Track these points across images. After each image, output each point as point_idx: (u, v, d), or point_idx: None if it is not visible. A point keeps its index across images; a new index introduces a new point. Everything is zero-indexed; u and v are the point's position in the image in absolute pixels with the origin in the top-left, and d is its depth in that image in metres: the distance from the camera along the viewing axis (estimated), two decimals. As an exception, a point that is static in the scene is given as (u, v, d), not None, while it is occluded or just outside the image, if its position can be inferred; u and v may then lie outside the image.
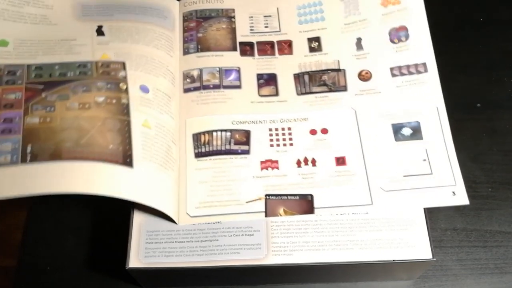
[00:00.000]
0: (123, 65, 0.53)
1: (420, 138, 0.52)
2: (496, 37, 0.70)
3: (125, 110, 0.50)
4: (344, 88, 0.56)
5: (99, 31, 0.56)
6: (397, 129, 0.53)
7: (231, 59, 0.58)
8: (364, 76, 0.56)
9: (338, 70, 0.57)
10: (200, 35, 0.59)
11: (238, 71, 0.57)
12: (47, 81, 0.51)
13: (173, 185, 0.50)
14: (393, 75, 0.55)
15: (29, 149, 0.46)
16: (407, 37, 0.57)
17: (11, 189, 0.44)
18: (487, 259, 0.56)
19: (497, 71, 0.68)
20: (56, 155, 0.46)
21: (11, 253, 0.57)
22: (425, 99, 0.54)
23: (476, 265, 0.56)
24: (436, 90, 0.54)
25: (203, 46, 0.59)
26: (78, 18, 0.57)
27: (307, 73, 0.57)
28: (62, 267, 0.56)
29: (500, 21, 0.72)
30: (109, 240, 0.56)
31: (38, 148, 0.46)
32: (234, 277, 0.52)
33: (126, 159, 0.47)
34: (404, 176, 0.50)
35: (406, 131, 0.53)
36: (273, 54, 0.58)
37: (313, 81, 0.56)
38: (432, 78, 0.55)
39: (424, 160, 0.51)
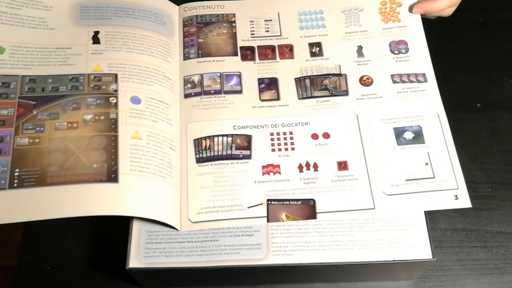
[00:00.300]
0: (115, 77, 0.53)
1: (422, 142, 0.52)
2: (496, 37, 0.70)
3: (113, 125, 0.50)
4: (345, 93, 0.56)
5: (95, 38, 0.55)
6: (399, 133, 0.53)
7: (232, 64, 0.58)
8: (365, 82, 0.56)
9: (339, 75, 0.57)
10: (200, 40, 0.59)
11: (239, 76, 0.57)
12: (39, 95, 0.51)
13: (172, 192, 0.50)
14: (394, 81, 0.56)
15: (16, 173, 0.47)
16: (406, 50, 0.58)
17: None
18: (487, 259, 0.56)
19: (497, 71, 0.68)
20: (41, 181, 0.46)
21: (11, 253, 0.57)
22: (426, 105, 0.54)
23: (476, 265, 0.56)
24: (436, 98, 0.55)
25: (203, 52, 0.59)
26: (76, 22, 0.57)
27: (308, 77, 0.57)
28: (62, 267, 0.56)
29: (500, 21, 0.72)
30: (109, 240, 0.56)
31: (25, 172, 0.47)
32: (234, 277, 0.52)
33: (111, 175, 0.47)
34: (407, 180, 0.50)
35: (408, 135, 0.52)
36: (274, 58, 0.58)
37: (314, 86, 0.56)
38: (431, 87, 0.55)
39: (427, 164, 0.51)
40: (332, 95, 0.56)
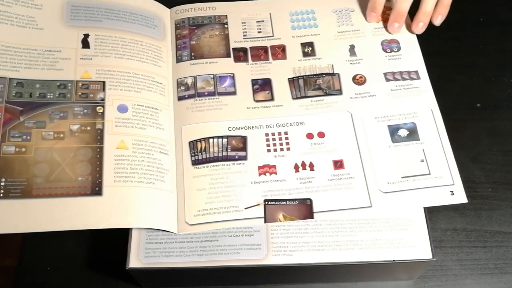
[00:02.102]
0: (103, 85, 0.53)
1: (417, 139, 0.52)
2: (496, 37, 0.70)
3: (99, 136, 0.50)
4: (339, 92, 0.56)
5: (85, 42, 0.55)
6: (393, 130, 0.53)
7: (225, 65, 0.58)
8: (359, 80, 0.56)
9: (332, 74, 0.57)
10: (193, 42, 0.59)
11: (233, 77, 0.57)
12: (27, 101, 0.50)
13: (165, 196, 0.50)
14: (387, 79, 0.56)
15: (3, 183, 0.46)
16: (398, 48, 0.59)
17: None
18: (487, 259, 0.56)
19: (497, 71, 0.67)
20: (27, 192, 0.46)
21: (11, 253, 0.57)
22: (419, 102, 0.55)
23: (476, 265, 0.56)
24: (429, 95, 0.55)
25: (196, 54, 0.59)
26: (66, 22, 0.56)
27: (302, 77, 0.57)
28: (62, 267, 0.56)
29: (500, 21, 0.72)
30: (109, 240, 0.56)
31: (12, 182, 0.46)
32: (234, 277, 0.52)
33: (95, 188, 0.47)
34: (402, 177, 0.50)
35: (403, 132, 0.53)
36: (267, 59, 0.58)
37: (308, 85, 0.56)
38: (424, 84, 0.56)
39: (422, 160, 0.51)
40: (326, 94, 0.56)
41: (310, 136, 0.53)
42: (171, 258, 0.48)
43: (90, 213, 0.46)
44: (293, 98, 0.56)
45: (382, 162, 0.51)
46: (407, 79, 0.56)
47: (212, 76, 0.57)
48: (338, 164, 0.51)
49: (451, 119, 0.53)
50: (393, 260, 0.47)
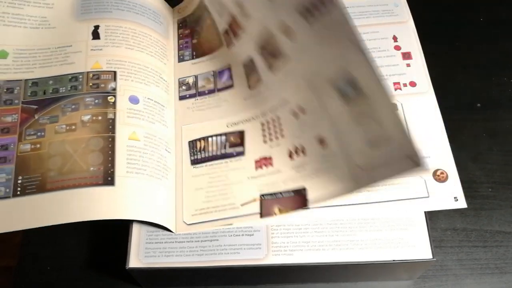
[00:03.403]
0: (114, 75, 0.53)
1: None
2: (496, 37, 0.70)
3: (110, 126, 0.50)
4: None
5: (95, 33, 0.55)
6: None
7: (222, 56, 0.57)
8: None
9: None
10: (194, 41, 0.59)
11: (229, 69, 0.57)
12: (41, 99, 0.51)
13: (168, 194, 0.50)
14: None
15: (20, 180, 0.46)
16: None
17: (1, 224, 0.44)
18: (487, 259, 0.56)
19: (497, 71, 0.68)
20: (41, 187, 0.46)
21: (11, 253, 0.57)
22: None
23: (476, 265, 0.56)
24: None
25: (197, 52, 0.59)
26: (77, 17, 0.56)
27: None
28: (62, 267, 0.56)
29: (500, 21, 0.72)
30: (109, 240, 0.56)
31: (28, 179, 0.46)
32: (234, 277, 0.52)
33: (107, 178, 0.47)
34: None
35: None
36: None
37: None
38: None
39: None
40: None
41: (295, 114, 0.51)
42: (171, 258, 0.48)
43: (102, 203, 0.46)
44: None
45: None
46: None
47: (212, 72, 0.57)
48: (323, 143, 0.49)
49: (451, 119, 0.53)
50: (393, 260, 0.47)
